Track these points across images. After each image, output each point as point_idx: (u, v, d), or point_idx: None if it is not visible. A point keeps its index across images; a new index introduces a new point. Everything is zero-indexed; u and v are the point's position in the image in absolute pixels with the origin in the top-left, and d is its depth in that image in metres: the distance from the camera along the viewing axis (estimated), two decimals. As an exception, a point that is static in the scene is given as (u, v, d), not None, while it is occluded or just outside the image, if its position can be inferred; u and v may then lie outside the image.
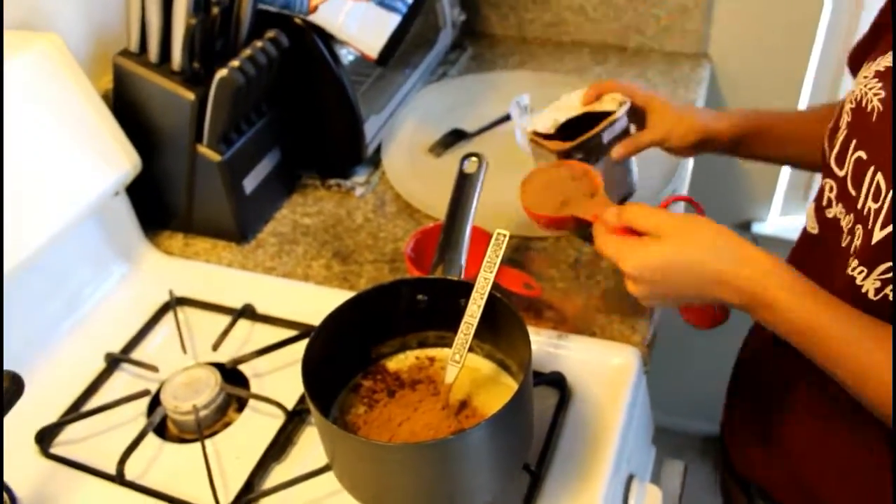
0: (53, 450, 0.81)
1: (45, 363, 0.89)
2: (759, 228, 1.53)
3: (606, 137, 0.91)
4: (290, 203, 1.11)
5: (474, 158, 0.86)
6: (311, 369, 0.67)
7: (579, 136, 0.89)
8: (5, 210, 0.81)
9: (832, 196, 0.71)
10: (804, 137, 0.86)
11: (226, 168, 0.96)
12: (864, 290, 0.64)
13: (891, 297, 0.62)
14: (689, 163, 1.13)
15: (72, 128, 0.89)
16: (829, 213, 0.71)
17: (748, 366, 0.94)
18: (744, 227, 1.56)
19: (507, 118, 1.18)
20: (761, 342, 0.90)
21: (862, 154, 0.65)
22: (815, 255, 0.75)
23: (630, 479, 0.80)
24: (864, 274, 0.64)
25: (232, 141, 0.97)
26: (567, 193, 0.82)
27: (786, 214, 1.54)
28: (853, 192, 0.66)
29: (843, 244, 0.68)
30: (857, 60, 0.78)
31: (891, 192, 0.61)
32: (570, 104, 0.95)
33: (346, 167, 1.13)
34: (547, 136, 0.92)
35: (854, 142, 0.67)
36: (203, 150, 0.94)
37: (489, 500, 0.67)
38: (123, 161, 0.93)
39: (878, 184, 0.62)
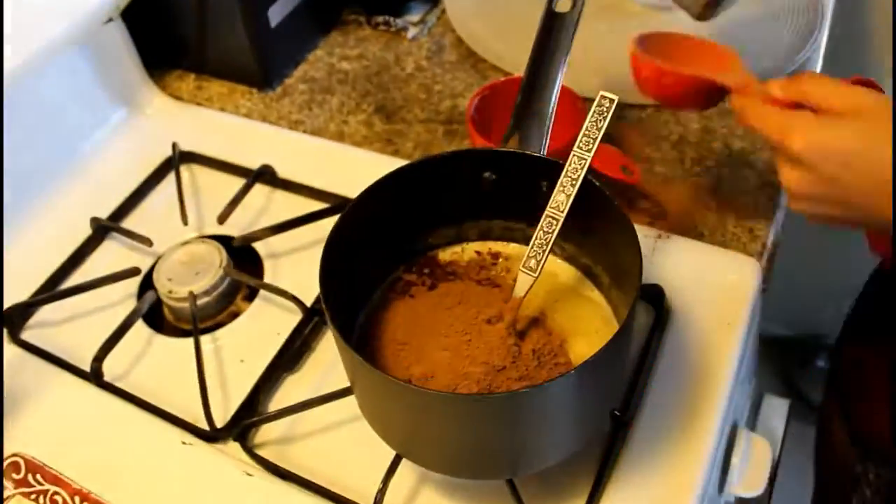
0: (24, 335, 0.68)
1: (20, 226, 0.74)
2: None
3: None
4: (326, 43, 0.92)
5: (568, -9, 0.64)
6: (336, 259, 0.50)
7: None
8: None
9: None
10: None
11: (244, -8, 0.76)
12: None
13: None
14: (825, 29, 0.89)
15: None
16: None
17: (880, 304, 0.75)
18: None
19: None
20: None
21: None
22: None
23: (734, 429, 0.62)
24: None
25: (252, -44, 0.76)
26: (693, 61, 0.60)
27: None
28: None
29: None
30: None
31: None
32: None
33: (398, 2, 0.93)
34: None
35: None
36: (215, -34, 0.74)
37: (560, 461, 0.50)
38: (114, -25, 0.74)
39: None
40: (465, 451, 0.48)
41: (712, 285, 0.64)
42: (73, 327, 0.68)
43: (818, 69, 0.84)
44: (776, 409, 0.77)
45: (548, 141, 0.57)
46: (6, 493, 0.57)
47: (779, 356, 1.84)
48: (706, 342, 0.61)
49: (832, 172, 0.47)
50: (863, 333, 0.77)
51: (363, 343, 0.55)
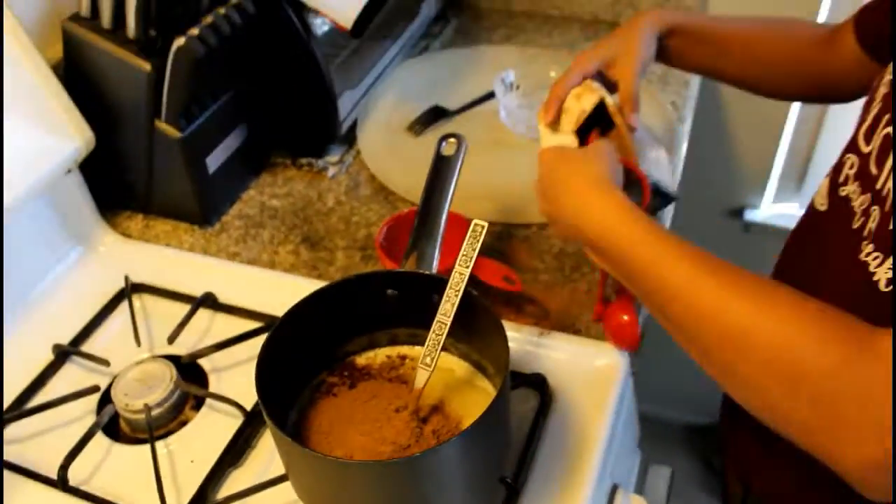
0: (-7, 450, 0.75)
1: (-12, 353, 0.83)
2: (751, 215, 1.48)
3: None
4: (257, 183, 1.05)
5: (453, 139, 0.79)
6: (268, 370, 0.61)
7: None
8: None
9: (851, 173, 0.65)
10: (778, 58, 0.82)
11: (186, 145, 0.89)
12: (875, 279, 0.59)
13: None
14: (683, 148, 1.07)
15: (18, 100, 0.82)
16: (843, 192, 0.66)
17: None
18: (736, 214, 1.50)
19: (491, 95, 1.11)
20: None
21: (891, 130, 0.60)
22: (821, 234, 0.70)
23: (614, 489, 0.75)
24: (878, 261, 0.59)
25: (194, 116, 0.90)
26: None
27: (779, 201, 1.48)
28: (874, 171, 0.61)
29: (855, 226, 0.63)
30: (865, 25, 0.73)
31: None
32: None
33: (319, 145, 1.06)
34: None
35: (886, 117, 0.61)
36: (161, 125, 0.87)
37: (461, 518, 0.61)
38: (75, 136, 0.86)
39: None
40: None
41: (587, 371, 0.78)
42: (38, 442, 0.76)
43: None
44: (660, 476, 0.89)
45: (439, 258, 0.71)
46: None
47: (700, 442, 1.97)
48: (583, 418, 0.74)
49: (543, 186, 0.69)
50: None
51: (295, 435, 0.66)
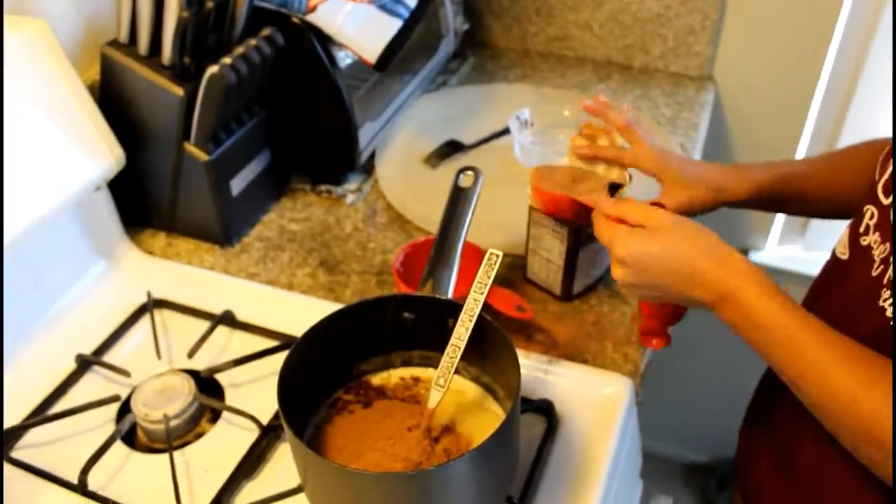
0: (15, 454, 0.78)
1: (13, 361, 0.86)
2: (756, 257, 1.51)
3: None
4: (278, 207, 1.08)
5: (470, 172, 0.83)
6: (288, 385, 0.64)
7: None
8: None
9: (871, 223, 0.68)
10: (843, 188, 0.83)
11: (213, 168, 0.93)
12: (892, 324, 0.62)
13: None
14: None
15: (55, 118, 0.85)
16: (864, 241, 0.69)
17: (765, 397, 0.91)
18: (741, 255, 1.53)
19: (505, 132, 1.15)
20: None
21: None
22: (842, 282, 0.73)
23: (617, 515, 0.77)
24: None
25: (220, 140, 0.93)
26: (575, 187, 0.81)
27: (784, 244, 1.51)
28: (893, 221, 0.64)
29: (875, 273, 0.66)
30: None
31: None
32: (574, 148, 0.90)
33: (339, 173, 1.09)
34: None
35: None
36: (190, 148, 0.91)
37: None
38: (107, 155, 0.90)
39: None
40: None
41: (593, 399, 0.80)
42: (58, 447, 0.78)
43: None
44: (662, 504, 0.91)
45: (454, 285, 0.74)
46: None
47: (700, 480, 1.98)
48: (589, 444, 0.76)
49: (640, 266, 0.68)
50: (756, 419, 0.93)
51: (312, 449, 0.68)
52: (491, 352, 0.69)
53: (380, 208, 1.07)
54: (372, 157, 1.13)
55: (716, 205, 0.85)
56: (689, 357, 1.48)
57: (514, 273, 0.95)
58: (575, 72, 1.38)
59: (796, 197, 0.86)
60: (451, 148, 1.15)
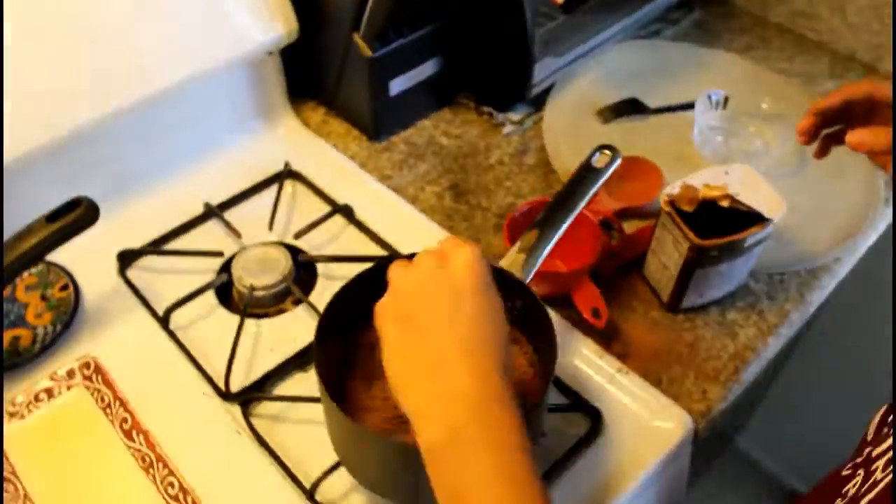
0: (128, 273, 0.87)
1: (154, 190, 0.94)
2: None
3: (749, 241, 0.80)
4: (436, 117, 1.07)
5: (608, 152, 0.77)
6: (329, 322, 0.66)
7: (720, 229, 0.79)
8: (166, 35, 0.85)
9: None
10: None
11: (374, 65, 0.94)
12: None
13: None
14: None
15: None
16: None
17: None
18: None
19: (690, 106, 1.06)
20: None
21: None
22: None
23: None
24: None
25: (389, 40, 0.93)
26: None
27: None
28: None
29: None
30: None
31: None
32: (736, 178, 0.82)
33: (506, 101, 1.06)
34: (683, 212, 0.81)
35: None
36: (357, 40, 0.92)
37: None
38: (282, 24, 0.93)
39: None
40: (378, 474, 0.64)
41: (645, 425, 0.76)
42: (163, 279, 0.86)
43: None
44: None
45: (542, 260, 0.70)
46: (75, 381, 0.76)
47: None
48: (620, 466, 0.73)
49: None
50: None
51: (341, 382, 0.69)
52: (538, 331, 0.67)
53: (533, 148, 1.04)
54: (548, 93, 1.09)
55: None
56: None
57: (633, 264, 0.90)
58: (807, 59, 1.23)
59: None
60: (630, 107, 1.08)
